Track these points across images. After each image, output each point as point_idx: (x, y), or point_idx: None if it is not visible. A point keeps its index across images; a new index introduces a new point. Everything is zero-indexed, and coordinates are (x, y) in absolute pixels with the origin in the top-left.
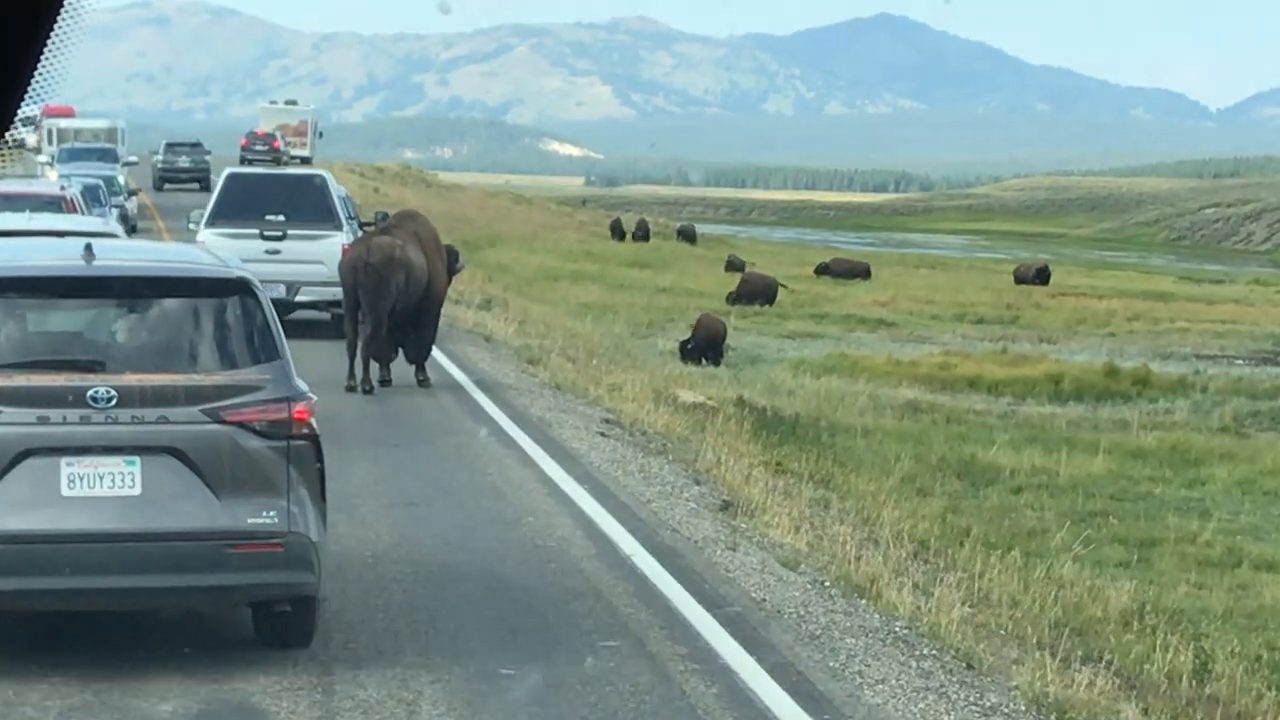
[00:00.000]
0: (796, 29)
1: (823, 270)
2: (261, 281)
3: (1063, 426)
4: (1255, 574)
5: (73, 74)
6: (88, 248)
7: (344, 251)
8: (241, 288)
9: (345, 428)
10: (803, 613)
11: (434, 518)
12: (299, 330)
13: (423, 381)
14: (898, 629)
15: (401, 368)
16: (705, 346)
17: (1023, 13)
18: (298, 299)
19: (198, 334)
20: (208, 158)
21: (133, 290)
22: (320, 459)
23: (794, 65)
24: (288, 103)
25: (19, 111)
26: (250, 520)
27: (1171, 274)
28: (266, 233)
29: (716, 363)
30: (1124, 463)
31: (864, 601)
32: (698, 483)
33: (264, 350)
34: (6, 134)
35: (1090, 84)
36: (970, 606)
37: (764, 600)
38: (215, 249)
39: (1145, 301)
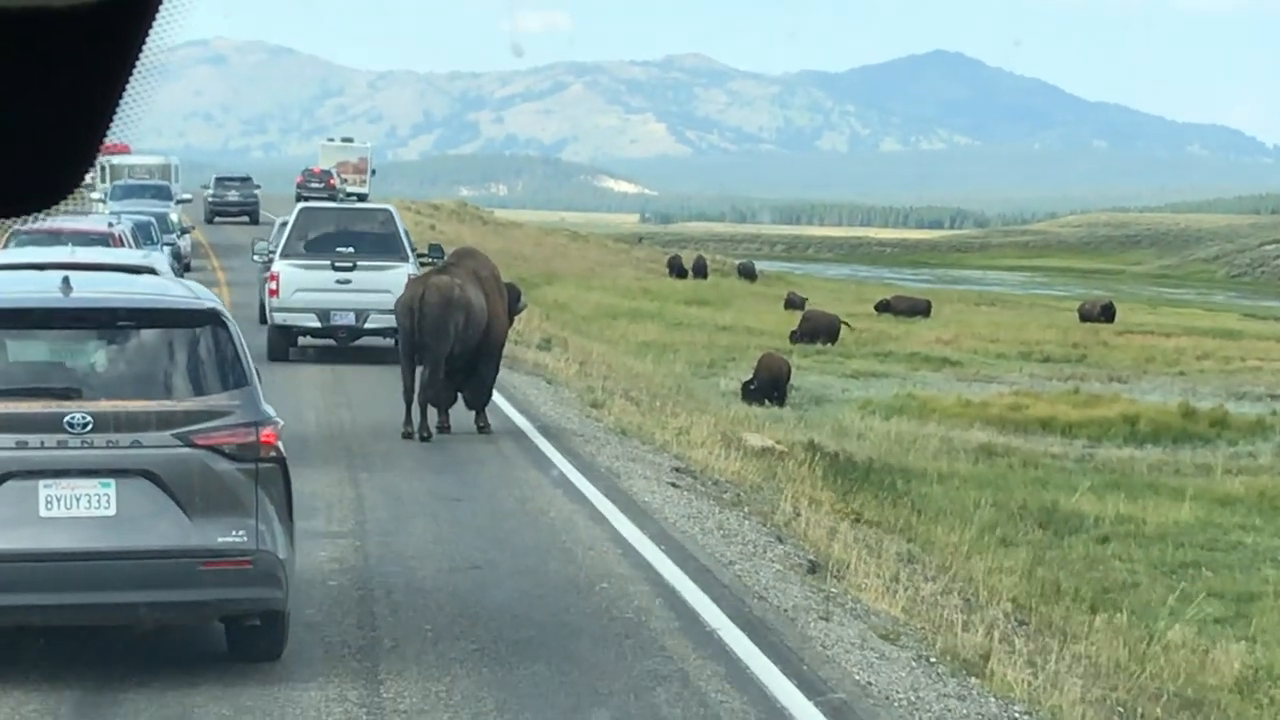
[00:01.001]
0: (851, 66)
1: (884, 307)
2: (333, 309)
3: (1144, 471)
4: None
5: (130, 113)
6: (65, 280)
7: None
8: (212, 318)
9: (402, 479)
10: (914, 698)
11: (499, 583)
12: (358, 365)
13: (483, 428)
14: (1017, 715)
15: (461, 413)
16: (768, 387)
17: (1080, 49)
18: (367, 326)
19: (170, 362)
20: (257, 192)
21: (108, 321)
22: (287, 480)
23: (849, 102)
24: (344, 140)
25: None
26: (220, 539)
27: (1235, 311)
28: (338, 264)
29: (781, 403)
30: (1211, 510)
31: (976, 681)
32: (780, 540)
33: (233, 377)
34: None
35: (1147, 120)
36: (1082, 678)
37: (869, 684)
38: (286, 279)
39: (1214, 339)
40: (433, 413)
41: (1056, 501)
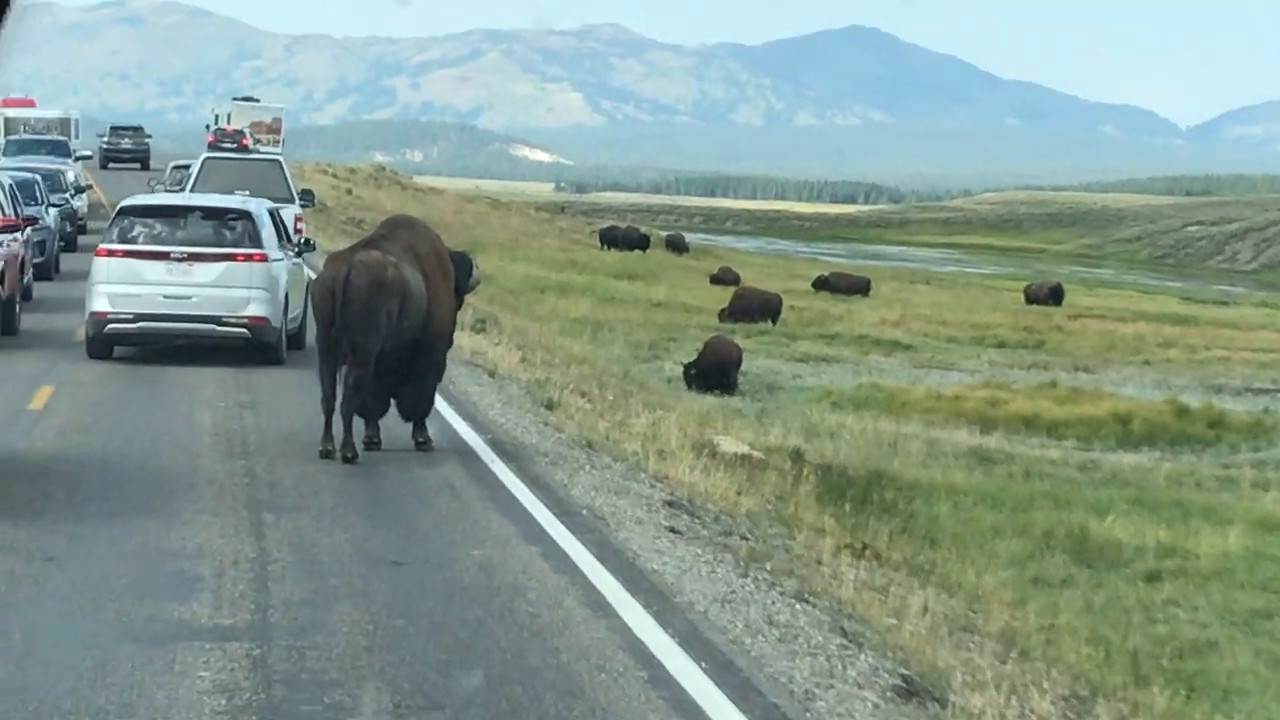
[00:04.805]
0: (767, 39)
1: (821, 284)
2: None
3: (1162, 483)
4: None
5: (46, 71)
6: None
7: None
8: None
9: (319, 526)
10: None
11: None
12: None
13: (423, 444)
14: None
15: (394, 424)
16: (713, 373)
17: (994, 27)
18: None
19: None
20: (148, 140)
21: None
22: None
23: (764, 75)
24: (246, 99)
25: None
26: None
27: (1172, 294)
28: None
29: (728, 391)
30: (1259, 537)
31: None
32: (846, 636)
33: None
34: None
35: (1060, 99)
36: None
37: None
38: None
39: (1173, 326)
40: (359, 424)
41: (1085, 527)
